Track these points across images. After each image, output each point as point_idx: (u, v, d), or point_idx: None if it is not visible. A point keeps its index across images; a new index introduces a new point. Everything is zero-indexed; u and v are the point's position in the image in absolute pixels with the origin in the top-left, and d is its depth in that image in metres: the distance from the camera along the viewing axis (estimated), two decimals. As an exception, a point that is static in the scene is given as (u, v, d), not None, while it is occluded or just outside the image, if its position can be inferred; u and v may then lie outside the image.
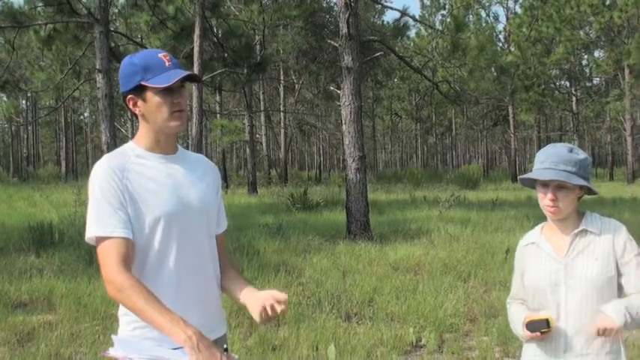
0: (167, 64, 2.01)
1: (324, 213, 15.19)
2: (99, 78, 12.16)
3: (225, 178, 30.01)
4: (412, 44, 42.95)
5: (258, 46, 27.71)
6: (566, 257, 2.30)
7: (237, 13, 24.53)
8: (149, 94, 2.01)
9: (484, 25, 46.73)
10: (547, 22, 37.94)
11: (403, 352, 5.04)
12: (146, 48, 14.34)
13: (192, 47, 15.28)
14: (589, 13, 36.60)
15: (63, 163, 51.35)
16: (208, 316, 2.09)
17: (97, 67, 12.23)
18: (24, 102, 58.64)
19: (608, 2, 36.66)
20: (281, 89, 38.24)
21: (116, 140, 12.32)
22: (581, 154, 2.30)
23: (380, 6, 41.38)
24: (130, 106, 2.06)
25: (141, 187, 2.00)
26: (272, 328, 5.63)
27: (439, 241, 10.62)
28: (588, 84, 47.30)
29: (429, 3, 52.36)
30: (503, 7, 48.13)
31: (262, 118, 35.95)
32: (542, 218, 2.49)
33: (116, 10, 24.30)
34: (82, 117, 66.47)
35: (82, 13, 14.32)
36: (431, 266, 8.35)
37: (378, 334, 5.33)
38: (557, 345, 2.30)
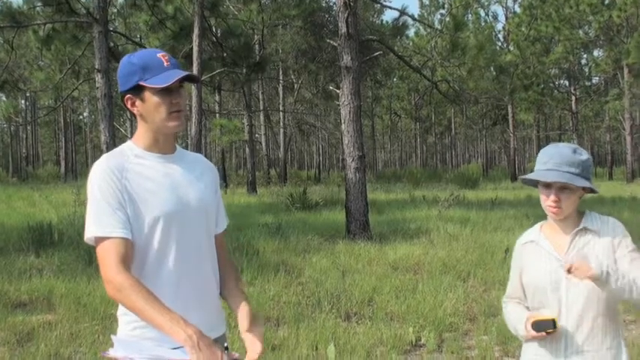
0: (166, 64, 2.01)
1: (323, 212, 15.19)
2: (98, 78, 12.15)
3: (224, 178, 30.01)
4: (411, 44, 42.98)
5: (257, 46, 27.70)
6: (567, 255, 2.30)
7: (237, 13, 24.52)
8: (147, 94, 2.01)
9: (483, 24, 46.78)
10: (546, 22, 37.95)
11: (403, 352, 5.04)
12: (145, 48, 14.34)
13: (192, 47, 15.28)
14: (588, 13, 36.62)
15: (62, 163, 51.34)
16: (208, 316, 2.09)
17: (96, 66, 12.22)
18: (23, 102, 58.62)
19: (607, 1, 36.67)
20: (280, 89, 38.22)
21: (115, 140, 12.31)
22: (584, 155, 2.30)
23: (379, 5, 41.38)
24: (129, 106, 2.06)
25: (140, 186, 2.00)
26: (272, 327, 5.63)
27: (438, 240, 10.62)
28: (587, 83, 47.32)
29: (427, 2, 52.38)
30: (503, 6, 48.14)
31: (261, 117, 35.94)
32: (541, 217, 2.49)
33: (115, 10, 24.25)
34: (81, 117, 66.48)
35: (81, 12, 14.32)
36: (430, 266, 8.35)
37: (377, 334, 5.33)
38: (558, 343, 2.30)
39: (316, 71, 33.88)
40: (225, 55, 18.08)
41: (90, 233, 1.95)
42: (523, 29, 40.27)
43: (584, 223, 2.32)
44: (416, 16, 48.36)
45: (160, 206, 2.00)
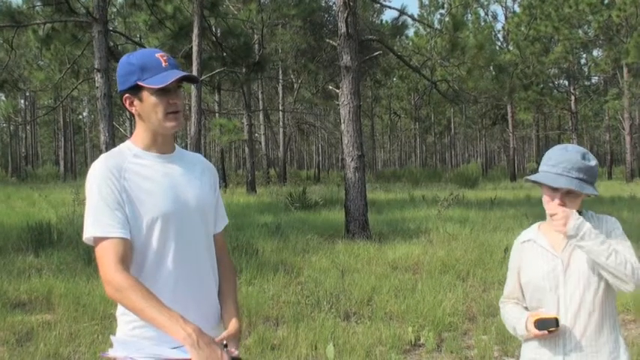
0: (164, 64, 2.01)
1: (322, 212, 15.19)
2: (97, 77, 12.14)
3: (223, 178, 30.01)
4: (411, 43, 42.94)
5: (256, 46, 27.68)
6: (564, 252, 2.32)
7: (236, 12, 24.50)
8: (145, 94, 2.01)
9: (482, 24, 46.77)
10: (545, 21, 37.96)
11: (402, 351, 5.04)
12: (145, 47, 14.33)
13: (191, 46, 15.27)
14: (587, 12, 36.64)
15: (61, 163, 51.37)
16: (206, 316, 2.09)
17: (96, 66, 12.21)
18: (22, 101, 58.62)
19: (606, 1, 36.70)
20: (280, 88, 38.21)
21: (115, 140, 12.29)
22: (593, 161, 2.31)
23: (378, 5, 41.38)
24: (127, 106, 2.06)
25: (138, 186, 2.00)
26: (271, 327, 5.63)
27: (438, 240, 10.63)
28: (587, 83, 47.37)
29: (427, 2, 52.35)
30: (502, 5, 48.14)
31: (261, 117, 35.93)
32: (541, 217, 2.50)
33: (115, 10, 24.25)
34: (80, 116, 66.48)
35: (81, 12, 14.32)
36: (430, 265, 8.36)
37: (376, 334, 5.33)
38: (557, 340, 2.31)
39: (316, 71, 33.86)
40: (224, 54, 18.07)
41: (88, 233, 1.95)
42: (522, 29, 40.29)
43: None
44: (415, 15, 48.47)
45: (159, 206, 2.00)
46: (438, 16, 50.56)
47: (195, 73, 14.42)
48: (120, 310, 2.02)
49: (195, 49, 14.73)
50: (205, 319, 2.04)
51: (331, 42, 13.50)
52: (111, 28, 17.07)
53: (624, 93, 37.37)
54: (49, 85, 20.70)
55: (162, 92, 2.00)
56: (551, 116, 55.95)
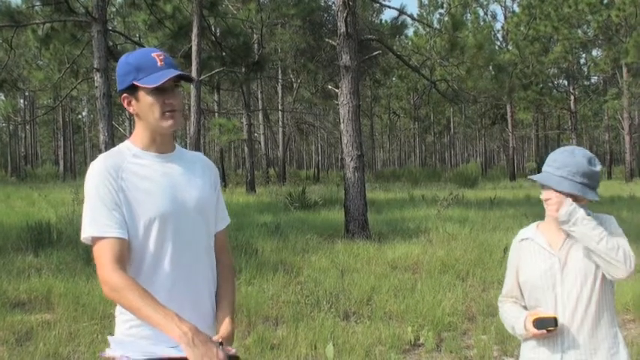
0: (159, 64, 2.01)
1: (322, 212, 15.18)
2: (97, 77, 12.13)
3: (223, 178, 29.99)
4: (410, 43, 42.92)
5: (256, 45, 27.67)
6: (561, 251, 2.33)
7: (235, 12, 24.48)
8: (141, 94, 2.01)
9: (482, 23, 46.77)
10: (545, 21, 37.97)
11: (401, 351, 5.04)
12: (144, 47, 14.32)
13: (190, 46, 15.25)
14: (587, 12, 36.65)
15: (61, 162, 51.36)
16: (203, 317, 2.07)
17: (95, 66, 12.21)
18: (22, 101, 58.57)
19: (606, 1, 36.72)
20: (279, 88, 38.20)
21: (114, 139, 12.27)
22: (598, 166, 2.32)
23: (378, 5, 41.37)
24: (125, 105, 2.07)
25: (135, 187, 2.00)
26: (270, 327, 5.63)
27: (437, 239, 10.63)
28: (586, 82, 47.41)
29: (426, 2, 52.38)
30: (501, 5, 48.16)
31: (260, 117, 35.92)
32: (540, 217, 2.50)
33: (114, 9, 24.26)
34: (79, 116, 66.46)
35: (80, 12, 14.30)
36: (429, 265, 8.36)
37: (376, 333, 5.33)
38: (555, 338, 2.32)
39: (315, 70, 33.82)
40: (224, 54, 18.05)
41: (86, 233, 1.96)
42: (522, 29, 40.30)
43: None
44: (415, 15, 48.44)
45: (156, 207, 2.00)
46: (438, 16, 50.60)
47: (194, 72, 14.42)
48: (118, 310, 2.03)
49: (194, 48, 14.72)
50: (202, 320, 2.04)
51: (330, 41, 13.49)
52: (110, 28, 17.05)
53: (623, 93, 37.39)
54: (48, 85, 20.67)
55: (158, 92, 2.00)
56: (551, 116, 55.99)
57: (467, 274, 7.83)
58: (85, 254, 8.42)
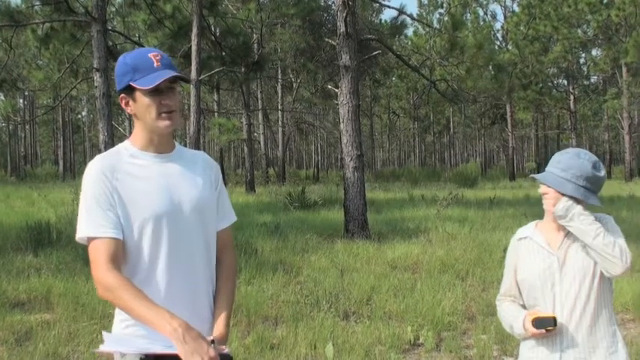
0: (156, 64, 2.00)
1: (322, 212, 15.18)
2: (96, 77, 12.13)
3: (223, 177, 29.90)
4: (410, 43, 42.90)
5: (255, 45, 27.65)
6: (559, 250, 2.33)
7: (235, 12, 24.48)
8: (138, 95, 2.01)
9: (482, 23, 46.77)
10: (545, 21, 37.98)
11: (401, 351, 5.04)
12: (143, 47, 14.32)
13: (190, 46, 15.23)
14: (587, 12, 36.66)
15: (60, 162, 51.37)
16: (200, 317, 2.06)
17: (95, 65, 12.20)
18: (21, 101, 58.55)
19: (605, 0, 36.71)
20: (279, 88, 38.19)
21: (114, 139, 12.26)
22: (602, 171, 2.32)
23: (377, 4, 41.36)
24: (123, 105, 2.06)
25: (130, 187, 1.99)
26: (270, 327, 5.63)
27: (437, 239, 10.63)
28: (586, 82, 47.42)
29: (426, 1, 52.37)
30: (501, 5, 48.15)
31: (260, 116, 35.91)
32: (540, 216, 2.50)
33: (113, 9, 24.24)
34: (79, 116, 66.44)
35: (80, 11, 14.29)
36: (429, 265, 8.36)
37: (376, 333, 5.33)
38: (554, 337, 2.32)
39: (315, 70, 33.81)
40: (223, 54, 18.05)
41: (81, 233, 1.97)
42: (522, 28, 40.30)
43: None
44: (414, 15, 48.43)
45: (151, 207, 1.99)
46: (437, 16, 50.58)
47: (194, 72, 14.41)
48: (116, 309, 2.03)
49: (194, 48, 14.71)
50: (200, 319, 2.04)
51: (330, 41, 13.49)
52: (110, 28, 17.04)
53: (623, 92, 37.40)
54: (47, 85, 20.64)
55: (154, 92, 1.99)
56: (550, 116, 55.99)
57: (466, 273, 7.84)
58: (84, 254, 8.39)
